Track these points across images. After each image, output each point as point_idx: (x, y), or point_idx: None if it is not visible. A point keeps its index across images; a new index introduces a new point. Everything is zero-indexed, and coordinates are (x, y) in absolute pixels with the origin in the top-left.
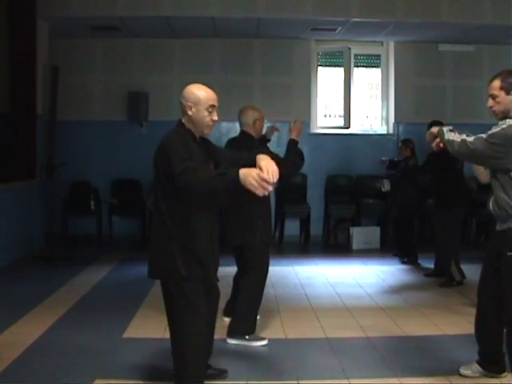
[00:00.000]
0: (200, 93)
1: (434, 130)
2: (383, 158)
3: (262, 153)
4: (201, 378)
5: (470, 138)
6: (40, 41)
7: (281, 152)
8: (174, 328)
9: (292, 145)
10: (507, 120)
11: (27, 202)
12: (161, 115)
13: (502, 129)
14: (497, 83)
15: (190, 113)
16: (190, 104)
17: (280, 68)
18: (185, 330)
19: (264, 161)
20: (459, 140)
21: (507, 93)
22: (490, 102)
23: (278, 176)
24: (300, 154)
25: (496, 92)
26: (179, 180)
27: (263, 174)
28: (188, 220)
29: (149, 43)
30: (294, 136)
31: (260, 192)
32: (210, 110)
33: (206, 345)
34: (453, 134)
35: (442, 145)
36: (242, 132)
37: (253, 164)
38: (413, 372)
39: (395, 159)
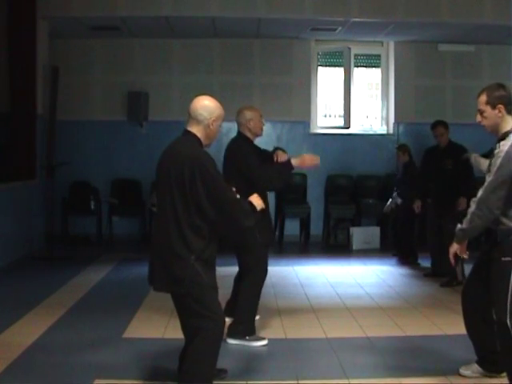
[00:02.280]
0: (220, 109)
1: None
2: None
3: None
4: (212, 378)
5: (474, 207)
6: (40, 41)
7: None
8: (195, 333)
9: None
10: (501, 143)
11: (27, 202)
12: (161, 115)
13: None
14: (483, 98)
15: (211, 127)
16: (214, 118)
17: (280, 68)
18: (205, 335)
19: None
20: (469, 217)
21: (493, 107)
22: (478, 118)
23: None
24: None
25: (482, 107)
26: (232, 207)
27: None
28: (206, 231)
29: (149, 43)
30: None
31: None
32: (221, 124)
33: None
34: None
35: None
36: (238, 133)
37: None
38: (413, 372)
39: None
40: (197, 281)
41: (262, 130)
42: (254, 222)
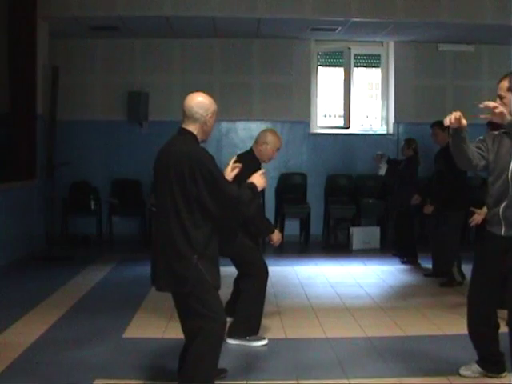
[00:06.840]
0: (214, 104)
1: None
2: (378, 152)
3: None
4: (213, 379)
5: None
6: (40, 41)
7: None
8: (197, 333)
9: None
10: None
11: (27, 202)
12: (161, 115)
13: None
14: (505, 84)
15: (208, 123)
16: (210, 115)
17: (280, 68)
18: (207, 335)
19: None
20: None
21: None
22: (497, 103)
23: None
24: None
25: (503, 93)
26: (233, 202)
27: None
28: (208, 227)
29: (149, 43)
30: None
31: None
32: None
33: None
34: None
35: None
36: (251, 149)
37: None
38: (413, 372)
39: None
40: (200, 280)
41: (269, 160)
42: (255, 208)
